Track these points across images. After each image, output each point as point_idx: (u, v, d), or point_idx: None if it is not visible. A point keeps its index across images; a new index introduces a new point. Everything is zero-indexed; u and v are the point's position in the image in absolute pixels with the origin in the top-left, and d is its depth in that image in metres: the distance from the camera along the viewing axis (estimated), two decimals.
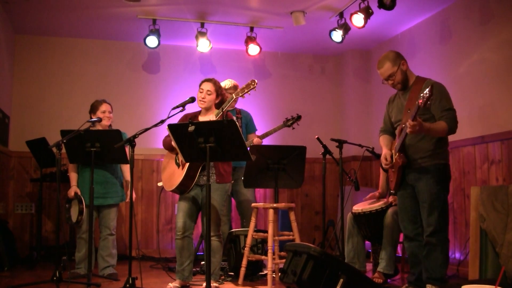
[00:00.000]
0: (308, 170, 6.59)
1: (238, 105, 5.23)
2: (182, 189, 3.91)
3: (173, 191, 3.95)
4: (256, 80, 3.99)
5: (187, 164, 3.80)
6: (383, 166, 3.76)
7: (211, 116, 3.97)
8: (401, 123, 3.58)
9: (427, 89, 3.10)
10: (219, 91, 4.06)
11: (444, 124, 3.41)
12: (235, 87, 5.05)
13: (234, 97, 4.01)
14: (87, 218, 4.32)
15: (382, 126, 3.95)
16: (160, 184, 4.16)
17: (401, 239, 4.61)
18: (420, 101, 3.12)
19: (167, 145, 4.01)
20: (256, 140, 4.86)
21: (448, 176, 3.61)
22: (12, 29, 6.05)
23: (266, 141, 5.09)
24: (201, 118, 4.05)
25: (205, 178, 3.91)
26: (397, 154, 3.56)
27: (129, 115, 6.24)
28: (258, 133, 5.15)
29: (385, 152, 3.72)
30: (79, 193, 4.43)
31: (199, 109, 4.13)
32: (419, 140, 3.52)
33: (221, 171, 3.95)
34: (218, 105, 4.09)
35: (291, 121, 4.92)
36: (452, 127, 3.44)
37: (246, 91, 4.00)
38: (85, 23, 5.90)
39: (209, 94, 4.00)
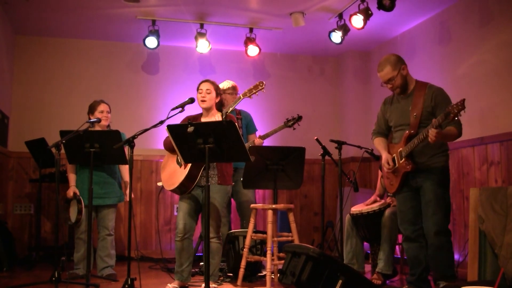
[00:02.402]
0: (307, 171, 6.60)
1: (238, 106, 5.23)
2: (182, 189, 3.90)
3: (173, 190, 3.94)
4: (264, 82, 3.99)
5: (190, 164, 3.79)
6: (386, 170, 3.77)
7: (215, 118, 3.96)
8: (408, 128, 3.62)
9: (459, 102, 3.16)
10: (218, 90, 4.08)
11: (455, 130, 3.50)
12: (233, 88, 5.04)
13: (242, 97, 4.01)
14: (85, 218, 4.32)
15: (375, 127, 3.97)
16: (160, 184, 4.15)
17: (399, 240, 4.61)
18: (452, 115, 3.18)
19: (167, 146, 4.01)
20: (257, 141, 4.86)
21: (449, 177, 3.71)
22: (12, 30, 6.05)
23: (265, 142, 5.09)
24: (203, 120, 4.04)
25: (205, 179, 3.92)
26: (403, 159, 3.60)
27: (129, 115, 6.24)
28: (258, 134, 5.14)
29: (386, 156, 3.76)
30: (78, 193, 4.44)
31: (200, 111, 4.13)
32: (424, 146, 3.57)
33: (223, 172, 3.95)
34: (218, 107, 4.09)
35: (292, 122, 4.91)
36: (461, 131, 3.55)
37: (254, 91, 4.01)
38: (84, 24, 5.90)
39: (208, 93, 4.01)
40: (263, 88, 3.98)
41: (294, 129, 4.96)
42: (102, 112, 4.55)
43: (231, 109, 3.95)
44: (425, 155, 3.59)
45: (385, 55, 3.78)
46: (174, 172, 3.97)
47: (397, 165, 3.66)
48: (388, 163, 3.71)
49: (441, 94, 3.60)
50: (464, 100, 3.17)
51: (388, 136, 3.89)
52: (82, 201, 4.37)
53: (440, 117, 3.29)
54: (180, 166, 3.94)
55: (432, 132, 3.32)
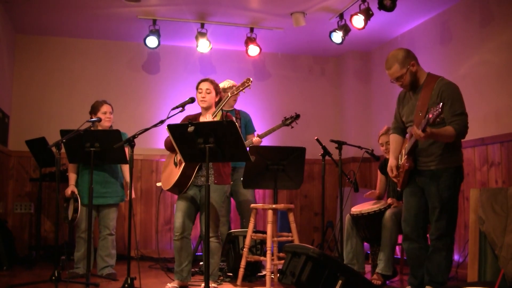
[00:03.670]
0: (308, 171, 6.59)
1: (237, 106, 5.23)
2: (178, 188, 3.92)
3: (169, 190, 3.96)
4: (251, 78, 4.01)
5: (183, 163, 3.80)
6: (390, 177, 3.73)
7: (208, 116, 3.96)
8: (412, 124, 3.47)
9: (440, 105, 3.01)
10: (218, 89, 4.08)
11: (452, 130, 3.30)
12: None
13: (230, 95, 4.04)
14: (85, 217, 4.32)
15: (393, 122, 3.81)
16: (159, 184, 4.16)
17: (399, 241, 4.61)
18: (430, 116, 3.04)
19: (168, 146, 4.01)
20: (255, 140, 4.86)
21: (460, 179, 3.51)
22: (13, 29, 6.05)
23: (265, 142, 5.09)
24: (202, 119, 4.05)
25: (203, 178, 3.92)
26: (405, 156, 3.49)
27: (129, 115, 6.24)
28: (256, 133, 5.14)
29: (391, 162, 3.66)
30: (76, 192, 4.44)
31: (200, 110, 4.13)
32: (431, 145, 3.44)
33: (220, 172, 3.95)
34: (217, 105, 4.09)
35: (290, 120, 4.91)
36: (461, 132, 3.34)
37: (241, 89, 4.04)
38: (85, 23, 5.90)
39: (208, 93, 4.01)
40: (249, 85, 4.01)
41: (292, 127, 4.96)
42: (105, 113, 4.53)
43: (220, 108, 3.96)
44: (431, 154, 3.44)
45: (393, 50, 3.61)
46: (171, 173, 3.99)
47: (402, 161, 3.56)
48: (392, 171, 3.64)
49: (449, 90, 3.40)
50: (443, 104, 3.03)
51: (404, 130, 3.73)
52: (79, 199, 4.38)
53: (423, 121, 3.16)
54: (176, 166, 3.95)
55: (417, 133, 3.19)
